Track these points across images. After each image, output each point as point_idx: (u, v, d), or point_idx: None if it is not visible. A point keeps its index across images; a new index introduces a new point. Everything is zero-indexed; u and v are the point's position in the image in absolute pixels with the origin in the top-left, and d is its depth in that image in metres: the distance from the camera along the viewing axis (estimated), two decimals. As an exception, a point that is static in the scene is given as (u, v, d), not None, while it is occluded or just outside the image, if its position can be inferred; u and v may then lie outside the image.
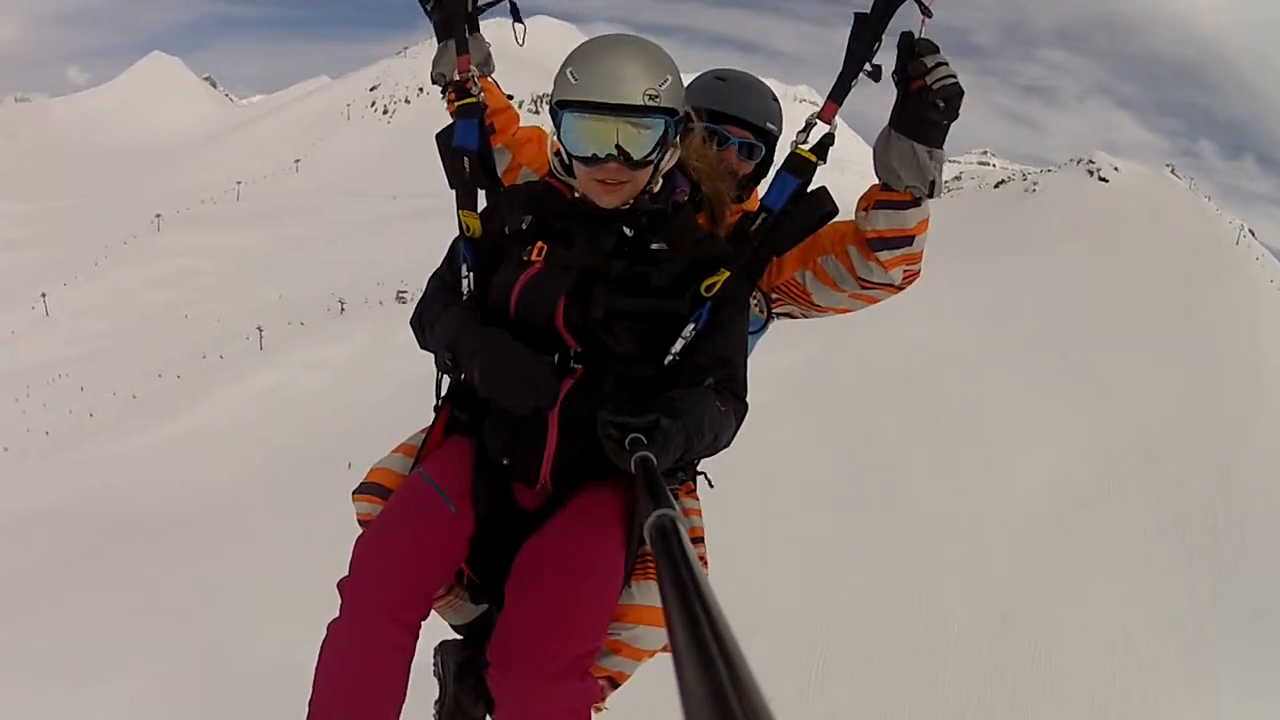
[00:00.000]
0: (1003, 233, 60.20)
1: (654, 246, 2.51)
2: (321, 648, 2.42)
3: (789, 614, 22.39)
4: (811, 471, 29.51)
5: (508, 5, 3.23)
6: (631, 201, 2.50)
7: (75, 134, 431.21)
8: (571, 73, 2.35)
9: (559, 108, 2.39)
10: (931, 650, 20.98)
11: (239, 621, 25.55)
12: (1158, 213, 60.02)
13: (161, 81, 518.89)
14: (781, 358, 36.73)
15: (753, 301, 3.01)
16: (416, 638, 2.49)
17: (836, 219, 2.84)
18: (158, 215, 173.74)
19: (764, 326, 3.31)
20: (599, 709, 2.67)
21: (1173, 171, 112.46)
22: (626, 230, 2.50)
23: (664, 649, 2.47)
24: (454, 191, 2.82)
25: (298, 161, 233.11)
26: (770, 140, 3.36)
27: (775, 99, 3.41)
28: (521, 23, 3.20)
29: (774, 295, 3.26)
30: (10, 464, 63.99)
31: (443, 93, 3.17)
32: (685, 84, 2.57)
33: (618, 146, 2.36)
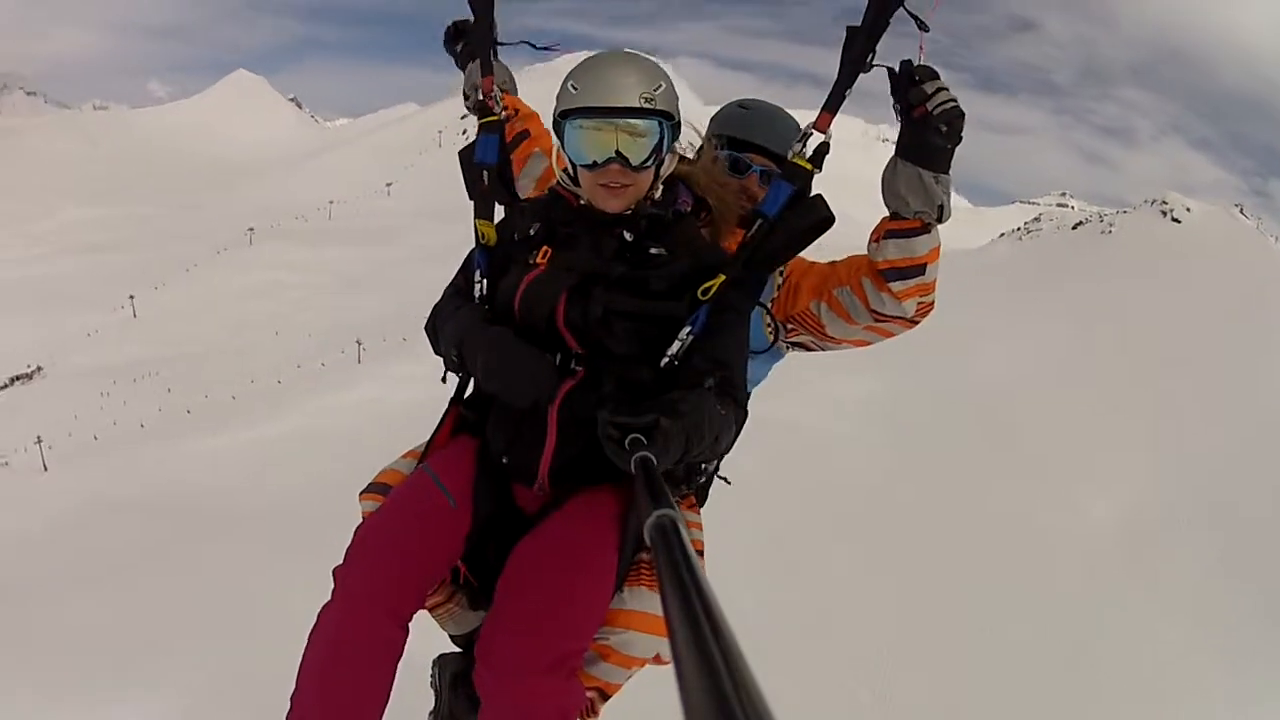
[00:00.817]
0: (1080, 272, 61.11)
1: (653, 251, 2.60)
2: (311, 632, 2.46)
3: (860, 630, 22.83)
4: (888, 497, 30.41)
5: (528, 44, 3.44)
6: (633, 208, 2.60)
7: (158, 144, 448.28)
8: (572, 85, 2.52)
9: (561, 118, 2.53)
10: (1000, 673, 20.99)
11: (306, 619, 24.54)
12: (1226, 252, 60.76)
13: (246, 99, 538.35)
14: (862, 387, 39.38)
15: (765, 323, 3.14)
16: (406, 634, 2.50)
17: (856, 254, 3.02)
18: (250, 228, 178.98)
19: (772, 348, 3.26)
20: None
21: (1241, 211, 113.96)
22: (627, 235, 2.60)
23: (654, 660, 2.55)
24: (472, 202, 2.96)
25: (389, 185, 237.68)
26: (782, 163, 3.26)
27: (798, 126, 3.21)
28: (551, 48, 3.43)
29: (789, 325, 3.29)
30: (100, 451, 65.54)
31: (473, 110, 3.38)
32: (710, 114, 3.01)
33: (619, 151, 2.47)
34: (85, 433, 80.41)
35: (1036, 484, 30.23)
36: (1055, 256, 70.50)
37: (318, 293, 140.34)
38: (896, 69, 2.76)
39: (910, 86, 2.70)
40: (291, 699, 2.45)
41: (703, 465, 2.96)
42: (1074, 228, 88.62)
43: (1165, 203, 78.43)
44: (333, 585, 2.49)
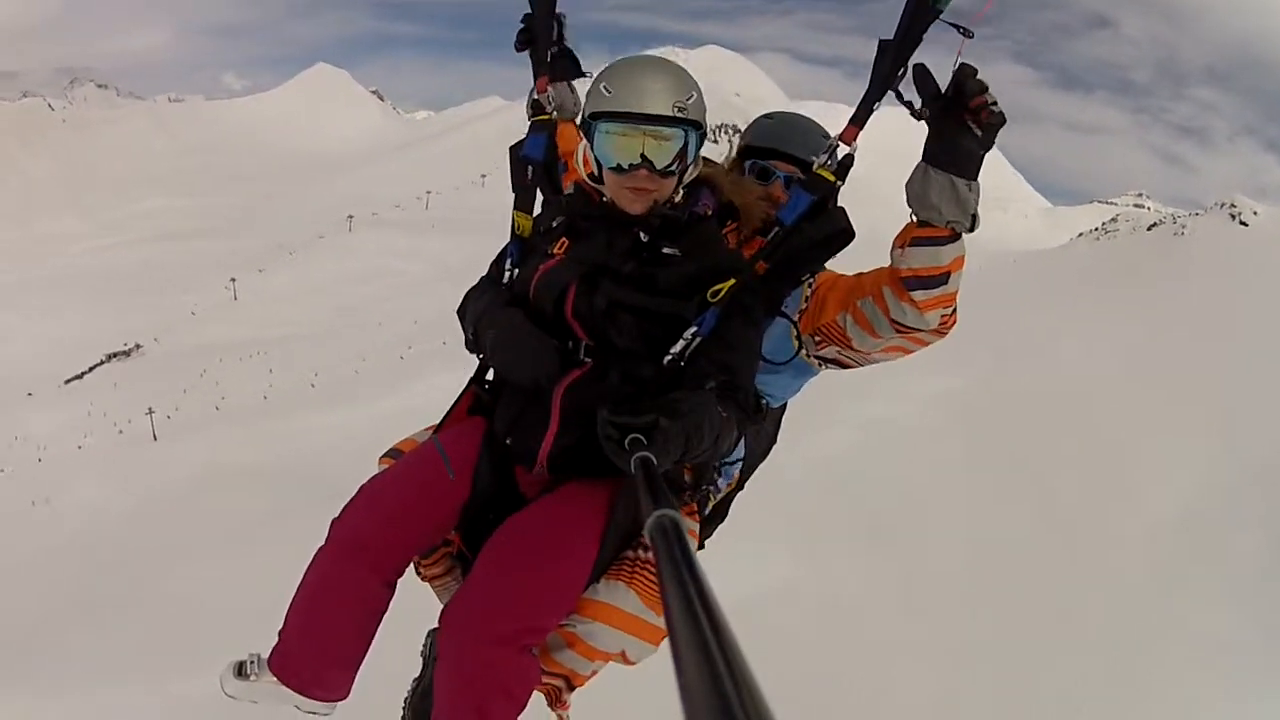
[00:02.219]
0: (1154, 273, 62.41)
1: (666, 251, 2.74)
2: (306, 569, 2.70)
3: (942, 603, 24.94)
4: (967, 486, 32.25)
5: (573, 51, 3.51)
6: (650, 209, 2.75)
7: (240, 136, 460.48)
8: (605, 87, 2.64)
9: (592, 119, 2.66)
10: (1071, 653, 22.58)
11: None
12: None
13: (328, 92, 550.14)
14: (945, 384, 41.27)
15: (792, 333, 3.20)
16: (389, 591, 2.72)
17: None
18: (350, 216, 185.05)
19: (795, 359, 3.30)
20: (562, 715, 2.91)
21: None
22: (642, 235, 2.75)
23: (620, 656, 2.69)
24: (514, 194, 3.18)
25: (484, 176, 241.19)
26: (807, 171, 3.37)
27: (825, 135, 3.44)
28: (583, 74, 3.46)
29: (817, 337, 3.32)
30: (209, 423, 68.48)
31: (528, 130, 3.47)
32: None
33: (645, 156, 2.62)
34: (191, 407, 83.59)
35: (1106, 474, 32.47)
36: (1131, 257, 71.55)
37: (421, 279, 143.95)
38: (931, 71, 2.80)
39: (961, 95, 2.74)
40: (279, 633, 2.71)
41: (715, 476, 3.21)
42: (1149, 229, 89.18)
43: (1234, 205, 77.95)
44: (326, 534, 2.70)
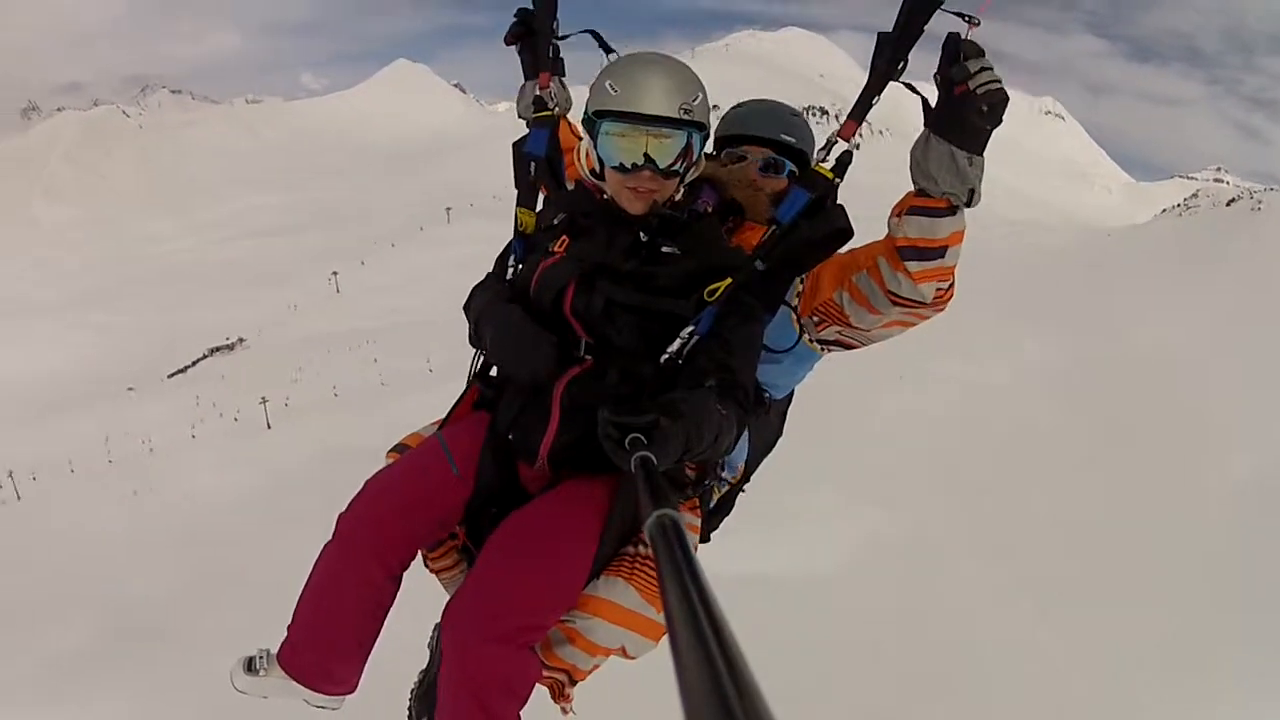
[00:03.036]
0: (1233, 248, 62.38)
1: (665, 249, 2.75)
2: (313, 565, 2.75)
3: (1032, 552, 24.26)
4: (1056, 447, 30.76)
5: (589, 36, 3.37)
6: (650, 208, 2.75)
7: (323, 133, 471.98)
8: (610, 85, 2.63)
9: (596, 117, 2.66)
10: (1158, 609, 22.48)
11: None
12: None
13: (410, 86, 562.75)
14: (1040, 352, 41.76)
15: (792, 319, 3.17)
16: (395, 585, 2.77)
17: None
18: (448, 207, 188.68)
19: (798, 345, 3.28)
20: (565, 710, 2.93)
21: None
22: (642, 234, 2.75)
23: (620, 652, 2.70)
24: (517, 191, 3.19)
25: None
26: (794, 153, 3.52)
27: (796, 115, 3.65)
28: (612, 50, 3.21)
29: (816, 318, 3.27)
30: (320, 410, 69.75)
31: (528, 126, 3.47)
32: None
33: (649, 156, 2.63)
34: (301, 395, 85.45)
35: (1189, 441, 30.25)
36: (1211, 232, 71.15)
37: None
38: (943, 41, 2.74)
39: (953, 63, 2.69)
40: (287, 628, 2.80)
41: (718, 472, 3.20)
42: (1228, 204, 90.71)
43: None
44: (333, 529, 2.77)
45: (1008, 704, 19.06)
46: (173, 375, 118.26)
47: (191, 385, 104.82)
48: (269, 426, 68.85)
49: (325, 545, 2.75)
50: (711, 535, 3.49)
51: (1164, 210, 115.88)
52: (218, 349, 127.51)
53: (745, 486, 3.70)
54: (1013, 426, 35.85)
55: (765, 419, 3.67)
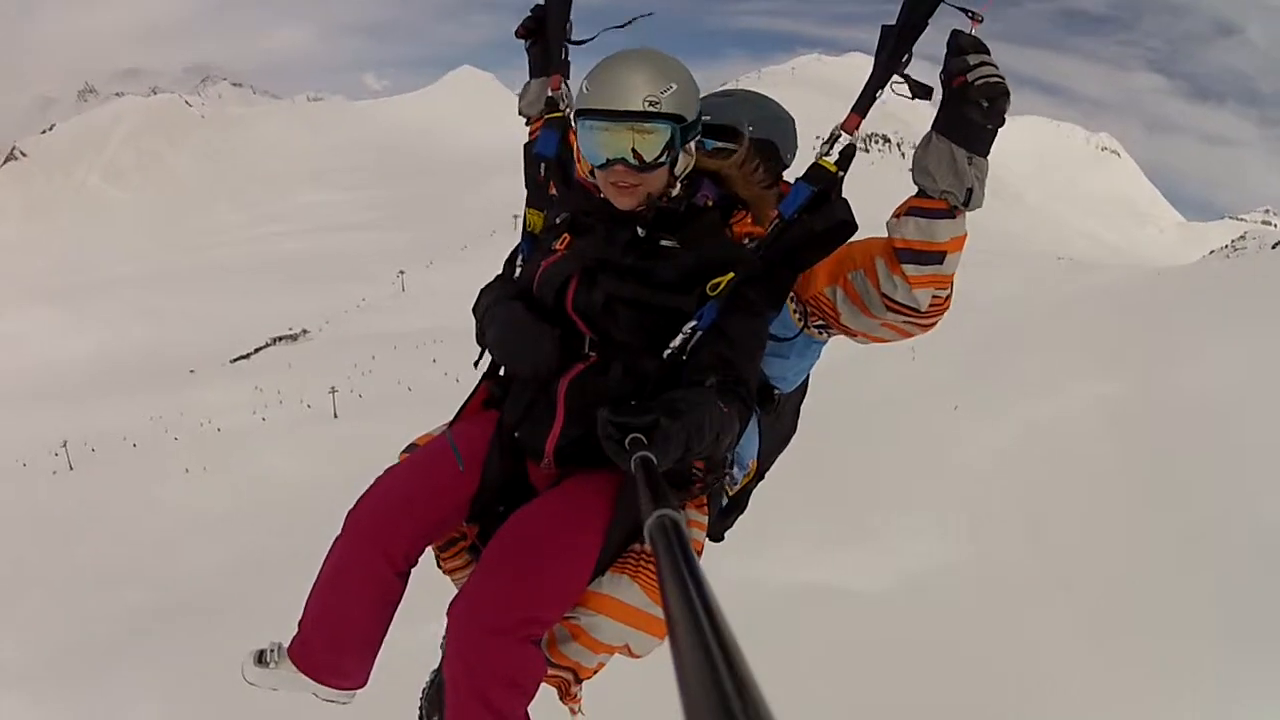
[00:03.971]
0: (1275, 290, 63.57)
1: (665, 244, 2.71)
2: (322, 562, 2.78)
3: (1087, 585, 28.54)
4: (1116, 483, 36.41)
5: (597, 37, 3.47)
6: (645, 203, 2.70)
7: (387, 135, 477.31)
8: (585, 84, 2.63)
9: (576, 116, 2.66)
10: (1194, 640, 24.31)
11: None
12: None
13: (475, 93, 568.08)
14: (1098, 388, 47.58)
15: (791, 308, 3.17)
16: (402, 581, 2.76)
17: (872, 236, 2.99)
18: (516, 215, 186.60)
19: (802, 334, 3.30)
20: (574, 711, 2.93)
21: None
22: (639, 230, 2.71)
23: (624, 649, 2.73)
24: (527, 191, 3.22)
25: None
26: (736, 137, 3.24)
27: (757, 105, 3.56)
28: (628, 23, 3.47)
29: (807, 309, 3.25)
30: (409, 400, 73.12)
31: (527, 123, 3.55)
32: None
33: (621, 152, 2.60)
34: (368, 388, 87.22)
35: (1229, 480, 34.70)
36: (1256, 275, 72.86)
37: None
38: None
39: (954, 56, 2.72)
40: (298, 622, 2.84)
41: (725, 470, 3.10)
42: (1274, 247, 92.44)
43: None
44: (341, 525, 2.79)
45: None
46: (235, 360, 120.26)
47: (254, 372, 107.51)
48: (336, 416, 70.42)
49: (334, 541, 2.78)
50: (725, 534, 3.47)
51: (1212, 251, 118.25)
52: (280, 339, 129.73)
53: (759, 483, 3.65)
54: (1068, 461, 39.14)
55: (777, 414, 3.56)
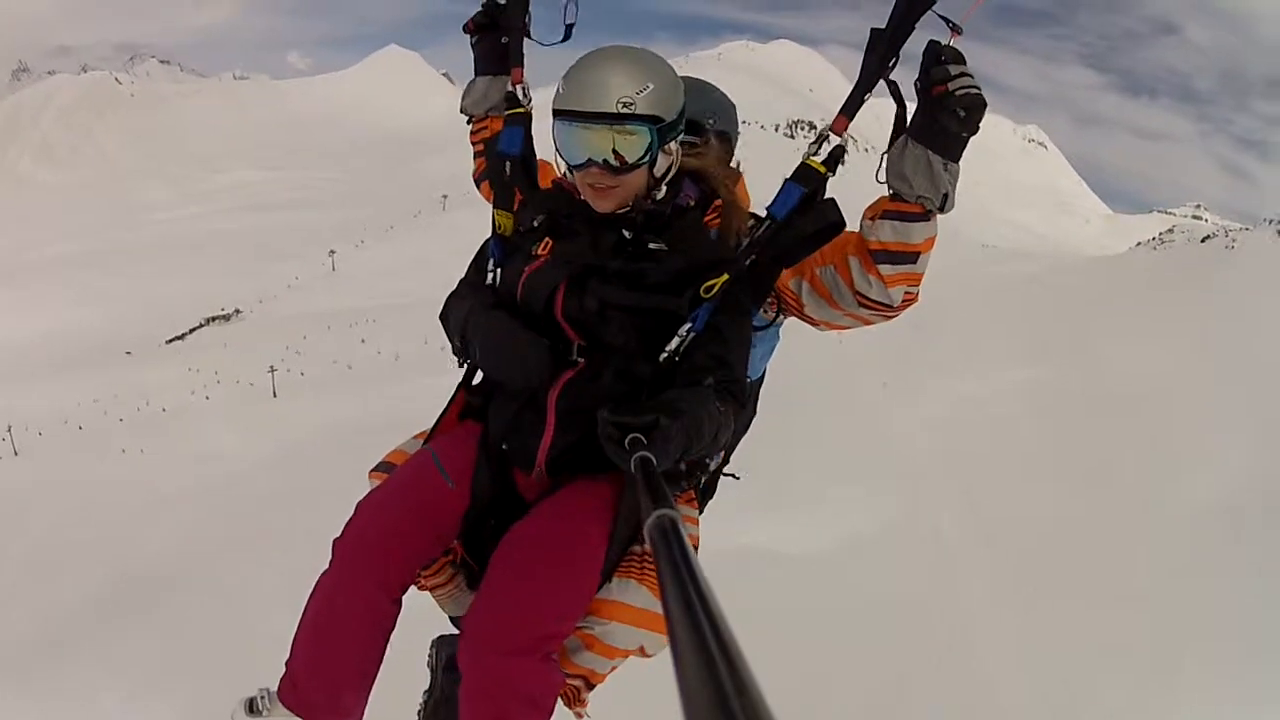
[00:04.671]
0: (1205, 282, 68.05)
1: (652, 246, 2.70)
2: (309, 596, 2.69)
3: (1017, 550, 30.70)
4: (1039, 456, 39.06)
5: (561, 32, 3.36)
6: (630, 205, 2.72)
7: (313, 114, 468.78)
8: (561, 84, 2.59)
9: (554, 116, 2.65)
10: (1119, 602, 27.18)
11: None
12: None
13: (401, 73, 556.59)
14: (1023, 373, 49.94)
15: (766, 301, 3.21)
16: (396, 608, 2.72)
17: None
18: (444, 195, 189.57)
19: (770, 325, 3.43)
20: (580, 713, 2.91)
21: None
22: (625, 233, 2.71)
23: (638, 652, 2.72)
24: (493, 192, 3.16)
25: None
26: (701, 131, 3.44)
27: (708, 95, 3.62)
28: (572, 20, 3.34)
29: (780, 300, 3.33)
30: (321, 384, 73.78)
31: (468, 122, 3.64)
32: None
33: (596, 153, 2.60)
34: (304, 368, 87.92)
35: (1158, 461, 37.55)
36: (1184, 267, 76.91)
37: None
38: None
39: (933, 66, 2.75)
40: (286, 662, 2.72)
41: (706, 462, 3.19)
42: (1202, 241, 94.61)
43: None
44: (329, 556, 2.69)
45: (992, 683, 22.10)
46: (170, 341, 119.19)
47: (189, 352, 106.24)
48: (275, 395, 71.14)
49: (322, 574, 2.70)
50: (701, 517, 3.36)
51: (1139, 243, 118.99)
52: (214, 319, 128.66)
53: (725, 470, 3.73)
54: (994, 435, 41.59)
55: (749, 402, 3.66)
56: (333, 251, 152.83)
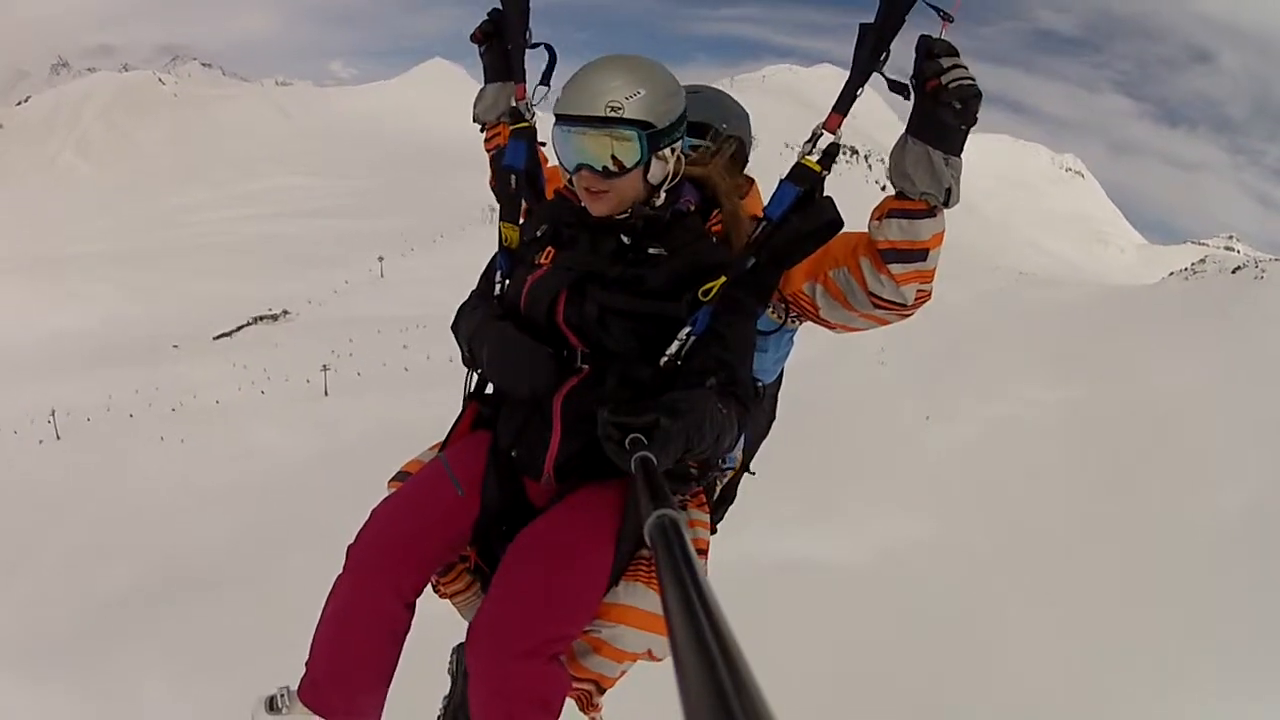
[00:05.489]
0: (1235, 310, 70.43)
1: (652, 251, 2.76)
2: (326, 599, 2.76)
3: (1044, 560, 32.16)
4: (1073, 472, 40.57)
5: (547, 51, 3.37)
6: (629, 210, 2.78)
7: (357, 123, 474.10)
8: (562, 89, 2.71)
9: (555, 122, 2.73)
10: (1148, 605, 28.94)
11: None
12: None
13: (445, 85, 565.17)
14: (1062, 392, 51.71)
15: (770, 304, 3.22)
16: (410, 612, 2.78)
17: (847, 230, 2.97)
18: (492, 208, 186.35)
19: (781, 329, 3.46)
20: (594, 718, 2.93)
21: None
22: (624, 238, 2.77)
23: (647, 655, 2.73)
24: (499, 206, 3.23)
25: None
26: (708, 134, 3.51)
27: (723, 103, 3.73)
28: (552, 57, 3.36)
29: (784, 305, 3.38)
30: (370, 386, 75.63)
31: (481, 130, 3.70)
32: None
33: (587, 155, 2.67)
34: (352, 369, 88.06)
35: (1182, 474, 39.02)
36: (1213, 296, 78.43)
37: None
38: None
39: (925, 60, 2.74)
40: (306, 663, 2.78)
41: (718, 462, 3.13)
42: (1233, 271, 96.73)
43: None
44: (344, 561, 2.76)
45: (1025, 680, 22.19)
46: (218, 338, 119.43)
47: (237, 350, 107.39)
48: (327, 394, 70.81)
49: (337, 578, 2.77)
50: (718, 526, 3.48)
51: (1172, 273, 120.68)
52: (261, 318, 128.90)
53: (748, 473, 3.78)
54: (1023, 455, 43.43)
55: (759, 406, 3.57)
56: (381, 258, 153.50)
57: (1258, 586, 28.56)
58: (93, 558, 29.37)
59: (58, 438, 65.77)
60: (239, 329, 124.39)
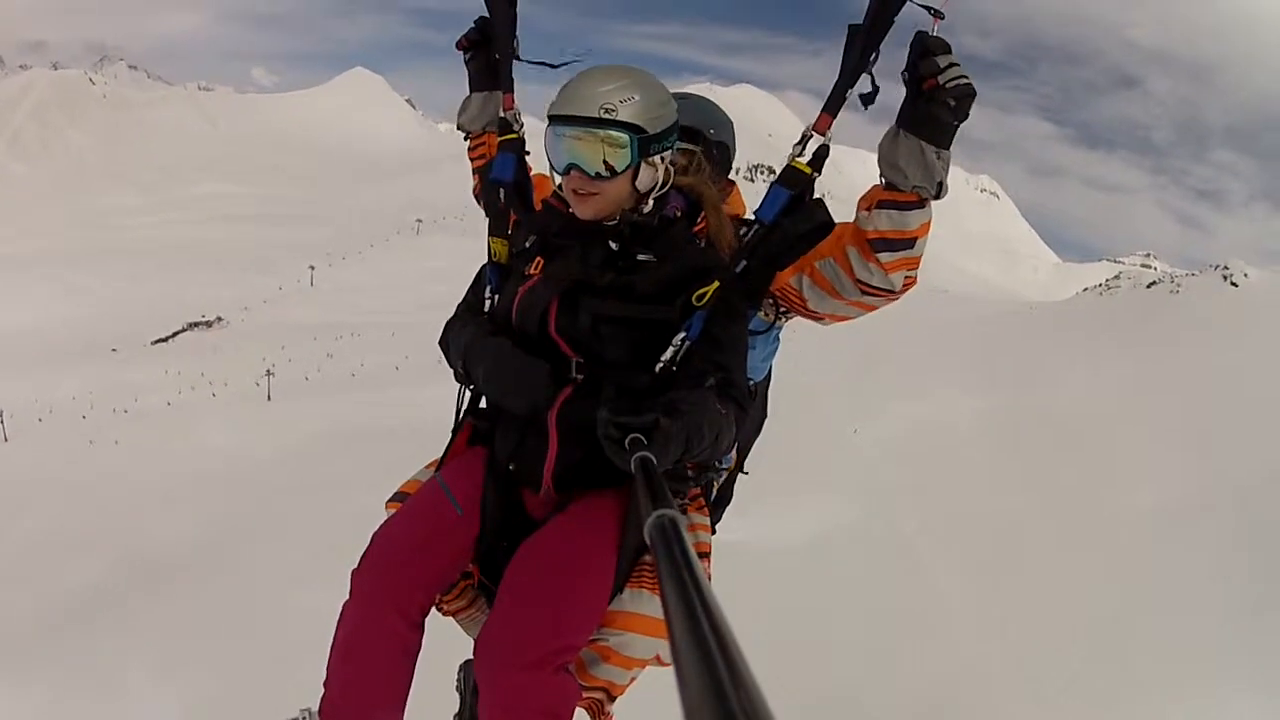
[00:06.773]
0: (1148, 324, 70.63)
1: (641, 258, 2.71)
2: (336, 625, 2.74)
3: (969, 544, 33.23)
4: (993, 470, 42.37)
5: (547, 65, 3.16)
6: (617, 217, 2.73)
7: (280, 131, 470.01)
8: (557, 94, 2.64)
9: (547, 124, 2.66)
10: (1067, 588, 30.26)
11: None
12: (1276, 313, 65.88)
13: (366, 95, 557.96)
14: (976, 402, 52.29)
15: (764, 304, 3.32)
16: (419, 633, 2.75)
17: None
18: (419, 219, 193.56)
19: (770, 329, 3.51)
20: None
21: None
22: (613, 245, 2.71)
23: (655, 661, 2.73)
24: (488, 220, 3.15)
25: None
26: (699, 140, 3.51)
27: (710, 110, 3.80)
28: (573, 60, 3.09)
29: (771, 300, 3.37)
30: (311, 391, 75.58)
31: (466, 138, 3.58)
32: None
33: (577, 156, 2.61)
34: (294, 374, 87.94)
35: (1100, 474, 40.56)
36: (1129, 310, 79.14)
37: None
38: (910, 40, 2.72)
39: (922, 58, 2.68)
40: (324, 684, 2.75)
41: (715, 463, 3.12)
42: (1148, 286, 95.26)
43: (1228, 268, 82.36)
44: (349, 587, 2.72)
45: (965, 651, 25.13)
46: (155, 343, 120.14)
47: (174, 355, 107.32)
48: (269, 399, 73.58)
49: (344, 605, 2.73)
50: (717, 527, 3.46)
51: (1085, 289, 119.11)
52: (196, 324, 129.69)
53: (741, 473, 3.79)
54: (950, 453, 45.25)
55: (753, 405, 3.65)
56: (312, 267, 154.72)
57: (1171, 568, 31.05)
58: (57, 553, 29.14)
59: (5, 439, 65.69)
60: (175, 334, 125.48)
